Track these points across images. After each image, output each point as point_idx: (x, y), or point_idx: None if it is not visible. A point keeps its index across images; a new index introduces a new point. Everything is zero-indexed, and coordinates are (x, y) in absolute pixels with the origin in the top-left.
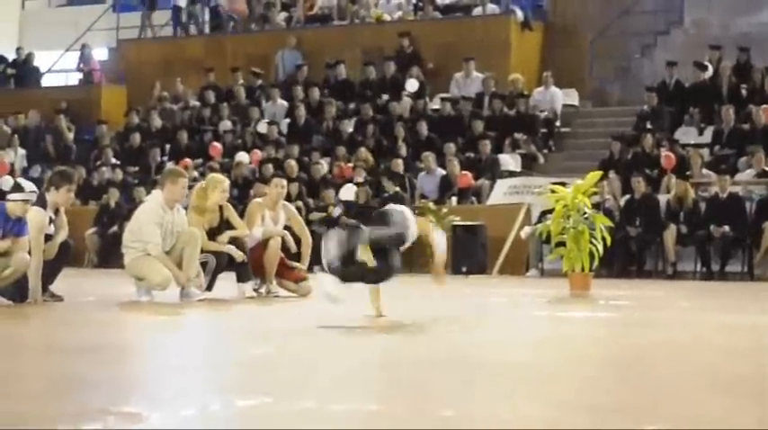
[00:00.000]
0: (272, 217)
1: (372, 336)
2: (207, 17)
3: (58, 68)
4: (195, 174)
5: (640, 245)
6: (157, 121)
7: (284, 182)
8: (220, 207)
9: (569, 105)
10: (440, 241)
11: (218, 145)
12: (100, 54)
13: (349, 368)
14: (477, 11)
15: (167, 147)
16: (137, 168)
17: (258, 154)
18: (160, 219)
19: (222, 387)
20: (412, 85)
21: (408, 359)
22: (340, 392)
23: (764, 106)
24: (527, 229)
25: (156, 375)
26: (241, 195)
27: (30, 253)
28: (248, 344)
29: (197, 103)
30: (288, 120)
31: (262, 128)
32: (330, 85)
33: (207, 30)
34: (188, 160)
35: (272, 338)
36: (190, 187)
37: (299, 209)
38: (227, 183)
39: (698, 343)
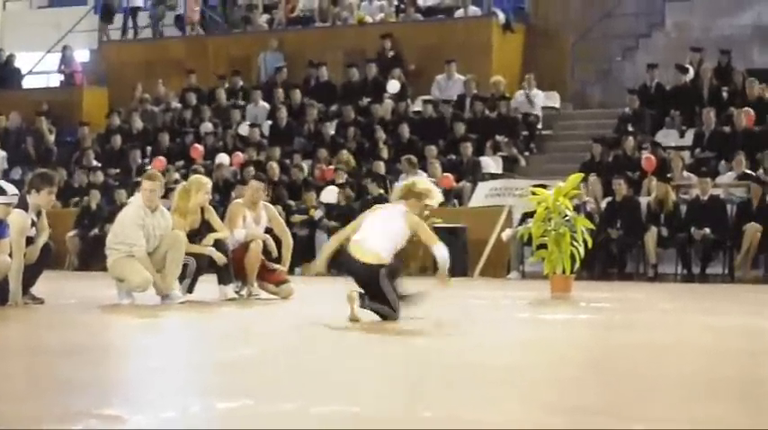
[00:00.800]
0: (253, 217)
1: (354, 339)
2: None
3: (39, 70)
4: (176, 176)
5: (621, 247)
6: (139, 123)
7: (262, 183)
8: (201, 209)
9: (551, 108)
10: (441, 253)
11: (199, 147)
12: (81, 56)
13: (330, 370)
14: (459, 13)
15: (148, 149)
16: (118, 170)
17: (240, 156)
18: (142, 221)
19: (203, 389)
20: (393, 86)
21: (390, 361)
22: (322, 394)
23: (745, 109)
24: (508, 232)
25: (137, 377)
26: (222, 198)
27: (11, 255)
28: (229, 346)
29: (178, 105)
30: (269, 123)
31: (243, 130)
32: (312, 87)
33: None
34: (162, 158)
35: (254, 340)
36: (171, 189)
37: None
38: (209, 184)
39: (680, 345)
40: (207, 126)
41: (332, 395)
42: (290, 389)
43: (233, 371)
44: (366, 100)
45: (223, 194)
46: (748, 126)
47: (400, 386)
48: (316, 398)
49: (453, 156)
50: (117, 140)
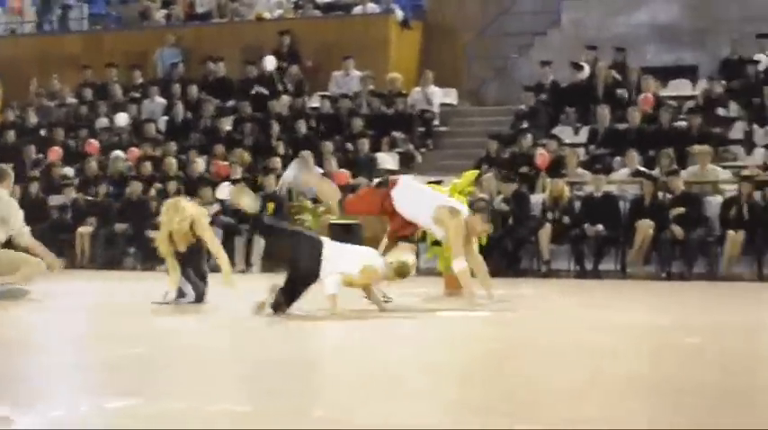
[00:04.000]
0: None
1: (248, 336)
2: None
3: None
4: (68, 171)
5: (515, 243)
6: (33, 118)
7: None
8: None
9: (447, 104)
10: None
11: (94, 142)
12: None
13: (225, 369)
14: (357, 10)
15: (43, 144)
16: (12, 165)
17: (136, 151)
18: None
19: (92, 388)
20: (270, 62)
21: (286, 358)
22: (213, 393)
23: (642, 95)
24: None
25: (26, 376)
26: (118, 192)
27: None
28: (120, 344)
29: (74, 100)
30: (166, 118)
31: (101, 123)
32: (209, 83)
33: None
34: (57, 149)
35: (149, 338)
36: (65, 185)
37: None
38: (187, 212)
39: (573, 342)
40: (102, 121)
41: (224, 394)
42: (182, 387)
43: (123, 369)
44: (260, 89)
45: (120, 187)
46: (644, 114)
47: (295, 385)
48: (207, 398)
49: (350, 152)
50: (11, 136)
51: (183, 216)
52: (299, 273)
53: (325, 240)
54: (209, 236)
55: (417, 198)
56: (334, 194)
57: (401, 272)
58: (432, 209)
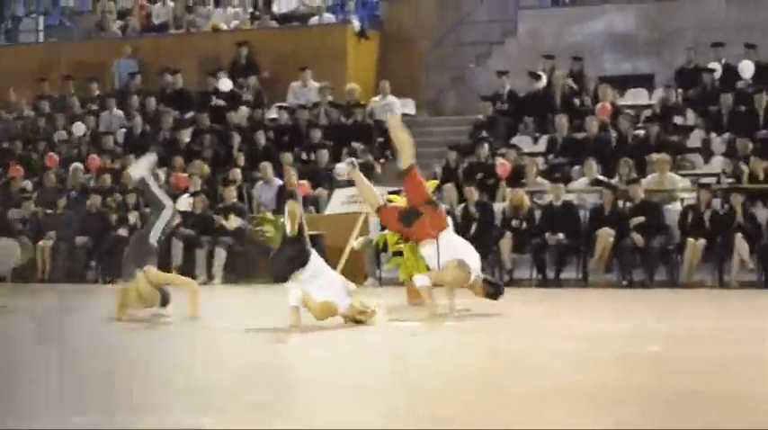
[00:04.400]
0: None
1: (211, 348)
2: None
3: None
4: (27, 184)
5: (477, 252)
6: None
7: None
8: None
9: (405, 115)
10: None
11: (54, 155)
12: None
13: (186, 382)
14: (314, 20)
15: (1, 157)
16: None
17: (96, 160)
18: None
19: (59, 403)
20: (225, 84)
21: (248, 371)
22: (176, 407)
23: (600, 104)
24: (361, 240)
25: None
26: (78, 204)
27: None
28: (87, 357)
29: (31, 113)
30: (124, 130)
31: (60, 136)
32: (167, 95)
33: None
34: (18, 167)
35: (109, 351)
36: (25, 198)
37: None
38: (147, 294)
39: (536, 350)
40: (60, 134)
41: (186, 407)
42: (149, 402)
43: (90, 383)
44: (218, 101)
45: (79, 199)
46: (602, 123)
47: (255, 396)
48: (173, 412)
49: (309, 164)
50: None
51: (150, 300)
52: (274, 268)
53: (314, 257)
54: (186, 285)
55: (443, 251)
56: (375, 202)
57: (360, 319)
58: (448, 257)
